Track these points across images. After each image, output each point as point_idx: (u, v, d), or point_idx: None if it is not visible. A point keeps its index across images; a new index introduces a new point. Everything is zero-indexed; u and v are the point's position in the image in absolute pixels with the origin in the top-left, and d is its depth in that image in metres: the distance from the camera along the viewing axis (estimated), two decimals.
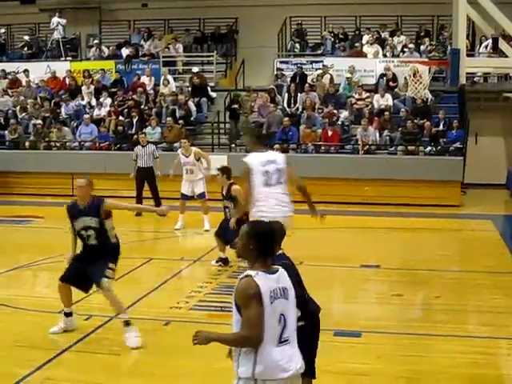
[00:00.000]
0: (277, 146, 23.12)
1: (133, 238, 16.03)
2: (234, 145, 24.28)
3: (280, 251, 6.10)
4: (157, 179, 19.65)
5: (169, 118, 24.32)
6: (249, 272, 5.13)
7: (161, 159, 20.24)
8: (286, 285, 5.20)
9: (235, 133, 24.52)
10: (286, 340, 5.13)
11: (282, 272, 5.23)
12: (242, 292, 5.06)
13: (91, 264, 9.12)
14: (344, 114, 24.26)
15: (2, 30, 31.50)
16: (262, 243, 5.16)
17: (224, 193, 13.49)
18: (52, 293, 11.91)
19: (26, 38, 31.11)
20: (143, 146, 20.02)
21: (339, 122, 23.88)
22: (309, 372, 6.08)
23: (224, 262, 13.36)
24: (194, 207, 18.22)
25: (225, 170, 13.82)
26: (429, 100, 24.20)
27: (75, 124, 25.73)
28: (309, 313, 6.30)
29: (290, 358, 5.12)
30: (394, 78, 25.61)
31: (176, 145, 22.59)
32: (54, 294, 11.80)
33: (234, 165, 21.22)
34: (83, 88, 27.50)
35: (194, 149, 18.22)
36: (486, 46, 25.85)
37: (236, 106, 24.79)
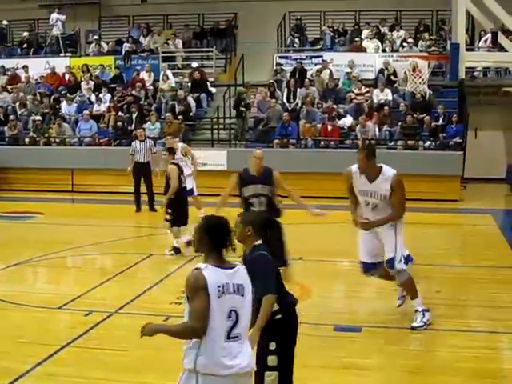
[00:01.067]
0: (276, 141, 23.17)
1: (132, 234, 16.06)
2: (236, 141, 24.24)
3: (259, 241, 6.15)
4: (153, 175, 19.48)
5: (168, 114, 24.27)
6: (199, 265, 5.19)
7: (160, 154, 20.23)
8: (243, 281, 5.20)
9: (241, 131, 24.42)
10: (236, 337, 5.10)
11: (240, 268, 5.25)
12: (190, 284, 5.14)
13: None
14: (346, 119, 24.13)
15: (5, 22, 31.42)
16: (215, 237, 5.22)
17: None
18: (52, 288, 11.96)
19: (26, 34, 31.08)
20: (141, 141, 20.00)
21: (339, 125, 23.83)
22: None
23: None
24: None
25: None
26: (427, 94, 24.17)
27: (75, 120, 25.70)
28: (286, 305, 6.29)
29: (236, 356, 5.07)
30: (394, 73, 25.60)
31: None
32: (55, 289, 11.83)
33: (233, 160, 21.45)
34: (82, 84, 27.48)
35: (180, 144, 18.09)
36: (486, 41, 25.83)
37: (242, 104, 24.60)
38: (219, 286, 5.05)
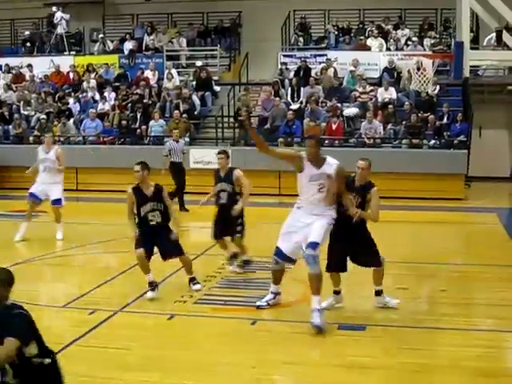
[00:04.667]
0: (281, 139, 23.15)
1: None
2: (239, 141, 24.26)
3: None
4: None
5: (176, 111, 24.28)
6: None
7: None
8: None
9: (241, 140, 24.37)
10: None
11: None
12: None
13: None
14: (351, 109, 24.15)
15: (27, 33, 31.39)
16: None
17: (222, 175, 12.58)
18: (57, 287, 11.96)
19: (27, 32, 31.11)
20: (176, 142, 19.99)
21: (345, 115, 23.85)
22: None
23: (235, 256, 12.74)
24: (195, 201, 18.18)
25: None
26: (436, 91, 24.13)
27: (80, 118, 25.72)
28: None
29: None
30: (398, 72, 25.58)
31: (186, 139, 22.84)
32: (59, 288, 11.83)
33: (237, 159, 21.43)
34: (84, 83, 27.51)
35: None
36: (490, 39, 25.80)
37: (243, 115, 24.40)
38: None
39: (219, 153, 12.76)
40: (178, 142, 20.04)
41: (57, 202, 15.85)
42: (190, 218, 18.45)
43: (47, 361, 5.76)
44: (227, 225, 12.26)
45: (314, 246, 9.48)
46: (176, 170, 19.84)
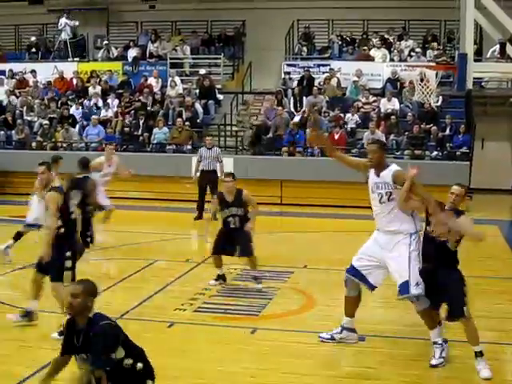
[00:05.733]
0: (285, 148, 23.17)
1: (138, 240, 16.04)
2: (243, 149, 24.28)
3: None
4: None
5: (179, 120, 24.31)
6: None
7: (169, 161, 20.17)
8: None
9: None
10: None
11: None
12: None
13: None
14: (353, 117, 24.20)
15: (33, 38, 31.43)
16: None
17: (230, 200, 12.01)
18: None
19: (33, 38, 31.18)
20: (209, 149, 19.63)
21: (347, 127, 23.90)
22: None
23: (223, 278, 12.38)
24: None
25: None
26: (439, 102, 24.16)
27: (83, 125, 25.75)
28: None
29: None
30: (401, 82, 25.61)
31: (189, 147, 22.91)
32: None
33: (240, 168, 21.47)
34: (91, 88, 27.56)
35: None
36: (494, 51, 25.83)
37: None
38: None
39: (226, 175, 12.24)
40: (210, 149, 19.75)
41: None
42: (194, 226, 18.47)
43: (139, 366, 5.84)
44: (233, 245, 11.81)
45: (405, 287, 8.65)
46: (207, 178, 19.38)
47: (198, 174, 19.53)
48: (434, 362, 8.46)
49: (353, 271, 9.06)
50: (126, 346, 5.89)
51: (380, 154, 9.07)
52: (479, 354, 8.27)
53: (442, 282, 8.49)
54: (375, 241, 9.01)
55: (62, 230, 9.23)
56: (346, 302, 9.28)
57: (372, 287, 9.07)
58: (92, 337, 5.69)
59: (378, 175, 8.91)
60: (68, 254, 9.31)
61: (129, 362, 5.84)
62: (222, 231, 12.12)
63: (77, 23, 30.25)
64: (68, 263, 9.31)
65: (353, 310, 9.22)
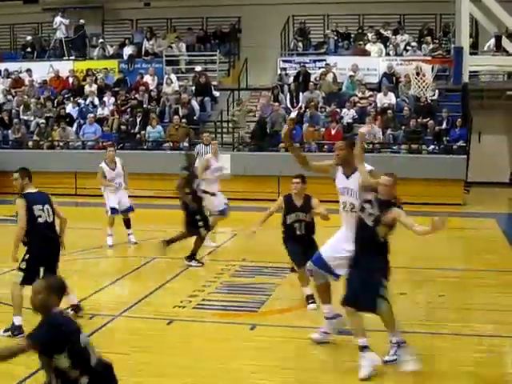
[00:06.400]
0: (282, 144, 23.16)
1: (137, 237, 16.02)
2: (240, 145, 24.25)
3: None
4: None
5: (176, 117, 24.29)
6: None
7: (166, 159, 20.16)
8: None
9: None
10: None
11: None
12: None
13: None
14: (349, 112, 24.20)
15: (28, 38, 31.37)
16: None
17: (299, 204, 11.17)
18: None
19: (29, 37, 31.14)
20: (206, 145, 19.57)
21: (344, 122, 23.90)
22: None
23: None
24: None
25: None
26: (435, 96, 24.16)
27: (78, 123, 25.75)
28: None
29: None
30: (397, 77, 25.61)
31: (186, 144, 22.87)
32: None
33: (237, 164, 21.48)
34: (87, 86, 27.54)
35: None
36: (490, 45, 25.83)
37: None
38: None
39: (296, 177, 11.26)
40: (208, 145, 19.58)
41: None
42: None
43: (84, 381, 5.69)
44: (307, 256, 9.92)
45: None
46: None
47: None
48: (315, 335, 8.98)
49: (319, 262, 9.02)
50: (74, 356, 5.74)
51: (347, 151, 8.81)
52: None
53: (360, 268, 8.16)
54: (342, 233, 8.99)
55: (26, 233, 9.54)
56: (318, 291, 9.38)
57: (338, 277, 8.99)
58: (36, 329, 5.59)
59: (347, 177, 8.86)
60: (26, 256, 9.57)
61: (74, 373, 5.71)
62: (293, 243, 10.97)
63: (67, 22, 30.09)
64: (22, 264, 9.55)
65: (328, 295, 9.21)
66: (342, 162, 8.89)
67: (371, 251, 8.07)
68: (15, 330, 9.37)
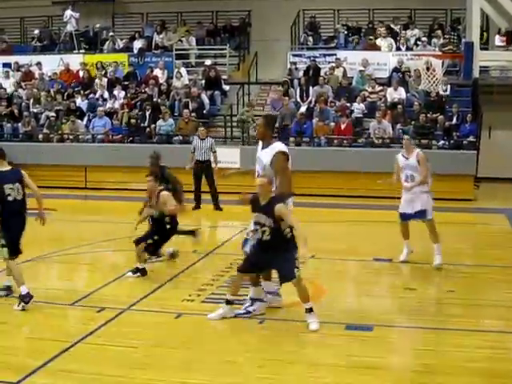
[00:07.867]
0: (292, 139, 23.15)
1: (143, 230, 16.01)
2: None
3: None
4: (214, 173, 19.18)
5: (186, 111, 24.30)
6: None
7: (176, 152, 20.17)
8: None
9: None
10: None
11: None
12: None
13: None
14: (359, 106, 24.17)
15: (36, 31, 31.42)
16: None
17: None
18: (65, 285, 11.98)
19: (38, 31, 31.18)
20: (202, 139, 19.75)
21: (353, 116, 23.86)
22: None
23: None
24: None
25: None
26: (445, 91, 24.10)
27: (89, 117, 25.78)
28: None
29: None
30: (408, 72, 25.54)
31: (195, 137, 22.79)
32: (67, 285, 11.85)
33: (246, 158, 21.43)
34: (98, 79, 27.56)
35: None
36: (500, 40, 25.76)
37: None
38: None
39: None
40: (203, 139, 19.82)
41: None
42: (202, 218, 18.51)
43: None
44: None
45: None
46: (201, 168, 19.57)
47: (193, 163, 19.65)
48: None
49: None
50: None
51: (264, 128, 9.86)
52: (309, 311, 9.18)
53: (272, 254, 9.23)
54: None
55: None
56: None
57: None
58: None
59: (263, 148, 9.84)
60: (2, 233, 10.24)
61: None
62: None
63: (77, 15, 30.09)
64: (2, 241, 10.24)
65: (257, 277, 9.99)
66: (261, 138, 10.06)
67: None
68: (25, 298, 9.94)
